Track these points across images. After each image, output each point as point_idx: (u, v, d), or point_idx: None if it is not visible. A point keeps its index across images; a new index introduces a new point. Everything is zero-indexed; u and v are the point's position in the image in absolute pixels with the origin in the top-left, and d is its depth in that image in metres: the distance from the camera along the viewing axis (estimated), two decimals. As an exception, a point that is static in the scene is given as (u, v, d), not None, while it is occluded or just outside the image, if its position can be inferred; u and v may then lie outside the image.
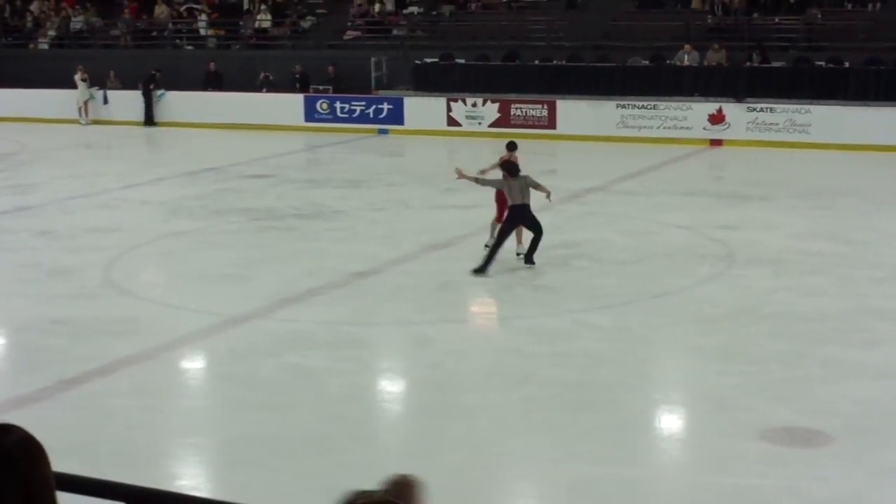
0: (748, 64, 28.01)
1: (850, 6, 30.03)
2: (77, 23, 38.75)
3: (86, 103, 33.95)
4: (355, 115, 31.03)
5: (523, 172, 15.22)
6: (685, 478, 9.10)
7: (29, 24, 39.52)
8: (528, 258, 15.25)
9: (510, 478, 9.17)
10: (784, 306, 13.40)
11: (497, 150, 27.33)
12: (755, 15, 30.46)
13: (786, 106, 26.47)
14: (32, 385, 10.94)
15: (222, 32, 36.99)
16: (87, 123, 33.71)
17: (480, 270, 14.94)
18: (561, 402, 10.36)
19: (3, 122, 33.67)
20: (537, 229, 15.16)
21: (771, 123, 26.62)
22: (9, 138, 30.51)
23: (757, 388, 10.67)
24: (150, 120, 33.10)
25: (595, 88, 28.45)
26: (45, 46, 38.50)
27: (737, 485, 8.63)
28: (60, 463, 2.22)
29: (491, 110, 29.38)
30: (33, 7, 40.07)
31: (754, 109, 26.81)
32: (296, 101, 31.77)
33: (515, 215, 15.17)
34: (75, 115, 33.91)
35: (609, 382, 10.97)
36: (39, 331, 12.83)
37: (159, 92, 33.14)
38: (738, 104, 27.02)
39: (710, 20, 30.75)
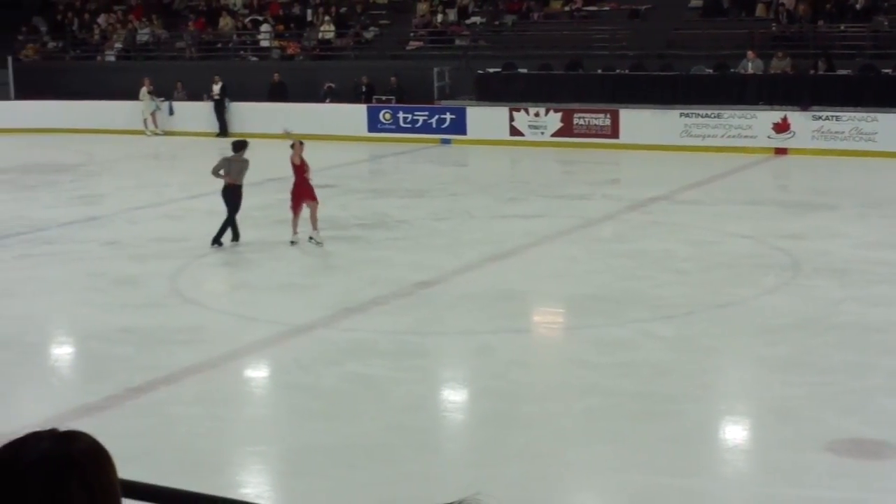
0: (813, 72, 27.72)
1: (917, 12, 29.66)
2: (143, 35, 39.27)
3: (153, 114, 34.38)
4: (418, 125, 31.11)
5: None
6: (749, 489, 9.00)
7: (96, 37, 40.11)
8: (217, 240, 17.53)
9: (572, 488, 9.14)
10: (851, 316, 13.22)
11: (559, 160, 27.48)
12: (820, 22, 30.13)
13: (852, 114, 26.14)
14: (100, 393, 11.07)
15: (288, 44, 37.24)
16: (159, 134, 34.10)
17: (216, 240, 17.45)
18: (624, 412, 10.29)
19: (71, 134, 34.19)
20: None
21: (836, 132, 26.30)
22: (77, 150, 31.02)
23: (823, 399, 10.55)
24: (223, 131, 33.38)
25: (658, 97, 28.31)
26: (112, 58, 39.03)
27: (803, 496, 8.53)
28: (126, 470, 2.25)
29: (553, 120, 29.31)
30: (101, 20, 40.66)
31: (819, 118, 26.50)
32: (359, 111, 31.92)
33: (236, 195, 17.41)
34: (142, 126, 34.34)
35: (672, 393, 10.89)
36: (106, 339, 12.98)
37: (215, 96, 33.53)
38: (803, 112, 26.74)
39: (774, 28, 30.48)
